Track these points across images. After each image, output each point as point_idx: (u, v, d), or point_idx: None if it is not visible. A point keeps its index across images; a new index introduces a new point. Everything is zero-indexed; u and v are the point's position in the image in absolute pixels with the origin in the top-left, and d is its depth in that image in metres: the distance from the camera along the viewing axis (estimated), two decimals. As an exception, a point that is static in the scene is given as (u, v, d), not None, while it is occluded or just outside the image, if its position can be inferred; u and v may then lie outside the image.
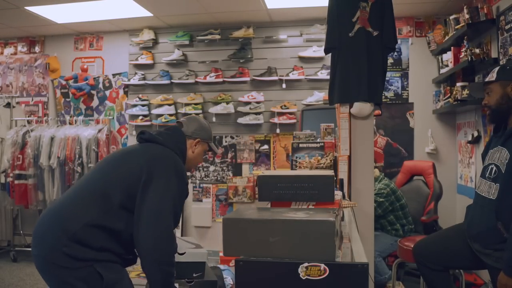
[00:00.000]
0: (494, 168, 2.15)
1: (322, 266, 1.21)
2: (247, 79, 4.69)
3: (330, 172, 1.76)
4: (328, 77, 2.87)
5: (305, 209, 1.45)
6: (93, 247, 1.68)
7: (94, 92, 5.13)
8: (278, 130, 4.63)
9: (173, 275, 1.76)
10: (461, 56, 3.59)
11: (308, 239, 1.25)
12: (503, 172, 2.08)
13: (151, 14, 4.47)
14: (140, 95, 4.93)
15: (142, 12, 4.38)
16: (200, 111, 4.77)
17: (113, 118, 5.08)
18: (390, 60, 4.45)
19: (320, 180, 1.53)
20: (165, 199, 1.73)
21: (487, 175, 2.20)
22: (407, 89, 4.51)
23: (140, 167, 1.77)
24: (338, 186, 2.33)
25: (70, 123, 4.76)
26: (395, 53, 4.48)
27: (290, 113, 4.57)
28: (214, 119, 4.75)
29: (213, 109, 4.72)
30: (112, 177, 1.78)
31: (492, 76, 2.20)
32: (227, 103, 4.71)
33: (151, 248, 1.68)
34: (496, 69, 2.22)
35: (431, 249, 2.50)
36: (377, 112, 3.48)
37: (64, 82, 5.21)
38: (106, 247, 1.70)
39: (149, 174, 1.75)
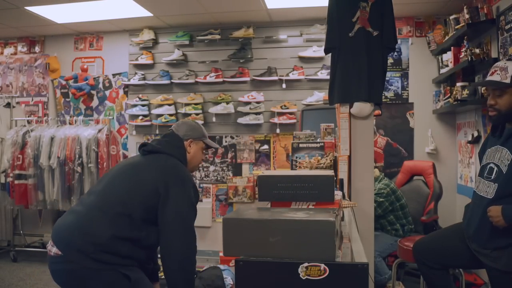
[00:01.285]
0: (495, 168, 2.14)
1: (322, 266, 1.21)
2: (247, 79, 4.69)
3: (330, 172, 1.76)
4: (328, 77, 2.87)
5: (305, 209, 1.45)
6: (119, 255, 1.79)
7: (94, 92, 5.13)
8: (278, 130, 4.63)
9: (194, 281, 1.93)
10: (461, 56, 3.59)
11: (308, 239, 1.25)
12: (504, 172, 2.08)
13: (151, 14, 4.47)
14: (140, 95, 4.93)
15: (142, 12, 4.38)
16: (200, 111, 4.77)
17: (113, 118, 5.08)
18: (390, 60, 4.45)
19: (320, 180, 1.53)
20: (186, 208, 1.87)
21: (485, 175, 2.19)
22: (407, 89, 4.51)
23: (154, 180, 1.87)
24: (338, 186, 2.33)
25: (70, 123, 4.76)
26: (395, 53, 4.48)
27: (290, 113, 4.57)
28: (214, 119, 4.75)
29: (213, 109, 4.72)
30: (129, 193, 1.87)
31: (506, 76, 2.07)
32: (227, 103, 4.71)
33: (180, 259, 1.83)
34: (510, 70, 2.08)
35: (431, 248, 2.50)
36: (377, 112, 3.49)
37: (64, 82, 5.21)
38: (131, 255, 1.83)
39: (166, 187, 1.86)
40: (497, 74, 2.12)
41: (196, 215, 1.94)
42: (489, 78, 2.16)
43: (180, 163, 2.01)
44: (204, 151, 2.20)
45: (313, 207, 1.50)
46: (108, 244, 1.77)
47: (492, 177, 2.13)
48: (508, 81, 2.07)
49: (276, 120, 4.57)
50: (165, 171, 1.91)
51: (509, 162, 2.06)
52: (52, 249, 1.80)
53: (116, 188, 1.90)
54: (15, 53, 5.39)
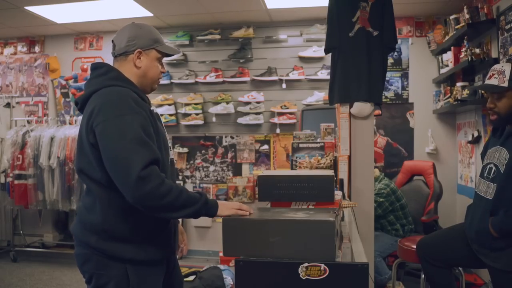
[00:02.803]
0: (494, 168, 2.15)
1: (322, 266, 1.21)
2: (247, 79, 4.69)
3: (330, 172, 1.76)
4: (328, 77, 2.88)
5: (305, 209, 1.45)
6: (121, 236, 1.53)
7: (94, 92, 5.13)
8: (278, 130, 4.63)
9: (174, 199, 1.44)
10: (461, 56, 3.59)
11: (308, 239, 1.25)
12: (502, 172, 2.08)
13: (151, 14, 4.47)
14: (140, 95, 4.92)
15: (142, 12, 4.38)
16: (200, 111, 4.77)
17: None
18: (390, 60, 4.45)
19: (320, 180, 1.53)
20: (118, 141, 1.42)
21: (485, 175, 2.21)
22: (407, 89, 4.51)
23: (86, 133, 1.52)
24: (338, 186, 2.33)
25: (70, 123, 4.76)
26: (395, 53, 4.48)
27: (290, 113, 4.57)
28: (214, 119, 4.75)
29: (213, 109, 4.72)
30: (84, 162, 1.56)
31: (503, 80, 2.10)
32: (227, 103, 4.71)
33: (138, 201, 1.41)
34: (508, 73, 2.10)
35: (434, 246, 2.53)
36: (377, 112, 3.49)
37: (64, 82, 5.21)
38: (132, 230, 1.54)
39: (92, 131, 1.48)
40: (495, 78, 2.15)
41: (144, 138, 1.45)
42: (487, 81, 2.19)
43: (108, 88, 1.53)
44: (160, 62, 1.68)
45: (313, 207, 1.50)
46: (106, 228, 1.52)
47: (491, 177, 2.15)
48: (505, 84, 2.10)
49: (276, 120, 4.57)
50: (90, 114, 1.49)
51: (506, 161, 2.07)
52: None
53: (77, 166, 1.61)
54: (15, 53, 5.39)
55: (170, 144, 1.71)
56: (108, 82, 1.56)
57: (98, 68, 1.62)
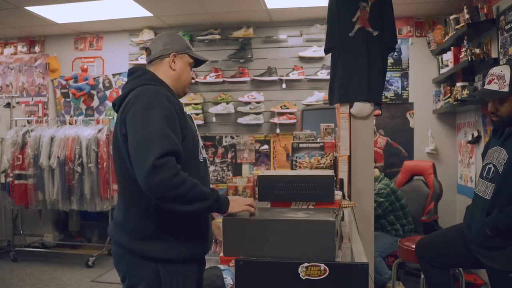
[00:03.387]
0: (493, 168, 2.16)
1: (322, 266, 1.22)
2: (247, 79, 4.69)
3: (330, 172, 1.76)
4: (328, 77, 2.88)
5: (305, 209, 1.45)
6: (150, 235, 1.55)
7: (94, 92, 5.13)
8: (278, 130, 4.63)
9: (186, 191, 1.44)
10: (461, 56, 3.59)
11: (308, 239, 1.26)
12: (500, 172, 2.09)
13: (151, 14, 4.47)
14: (140, 95, 4.92)
15: (142, 12, 4.38)
16: (200, 111, 4.77)
17: (113, 118, 5.08)
18: (390, 60, 4.45)
19: (320, 180, 1.53)
20: (141, 131, 1.47)
21: (484, 175, 2.21)
22: (407, 89, 4.51)
23: (118, 126, 1.58)
24: (338, 186, 2.33)
25: (70, 123, 4.76)
26: (395, 53, 4.48)
27: (290, 113, 4.57)
28: (214, 119, 4.75)
29: (213, 109, 4.72)
30: (116, 158, 1.64)
31: (504, 85, 2.10)
32: (227, 103, 4.72)
33: (150, 189, 1.42)
34: (507, 78, 2.10)
35: (433, 246, 2.53)
36: (377, 112, 3.49)
37: (64, 82, 5.21)
38: (158, 228, 1.55)
39: (125, 122, 1.54)
40: (495, 83, 2.14)
41: (170, 131, 1.47)
42: (487, 87, 2.18)
43: (143, 87, 1.59)
44: (191, 68, 1.81)
45: (313, 207, 1.50)
46: (135, 226, 1.55)
47: (490, 177, 2.16)
48: (506, 89, 2.09)
49: (276, 120, 4.57)
50: (124, 108, 1.57)
51: (505, 161, 2.07)
52: None
53: (117, 166, 1.65)
54: (15, 53, 5.39)
55: (202, 144, 1.75)
56: (143, 82, 1.63)
57: (134, 72, 1.71)
